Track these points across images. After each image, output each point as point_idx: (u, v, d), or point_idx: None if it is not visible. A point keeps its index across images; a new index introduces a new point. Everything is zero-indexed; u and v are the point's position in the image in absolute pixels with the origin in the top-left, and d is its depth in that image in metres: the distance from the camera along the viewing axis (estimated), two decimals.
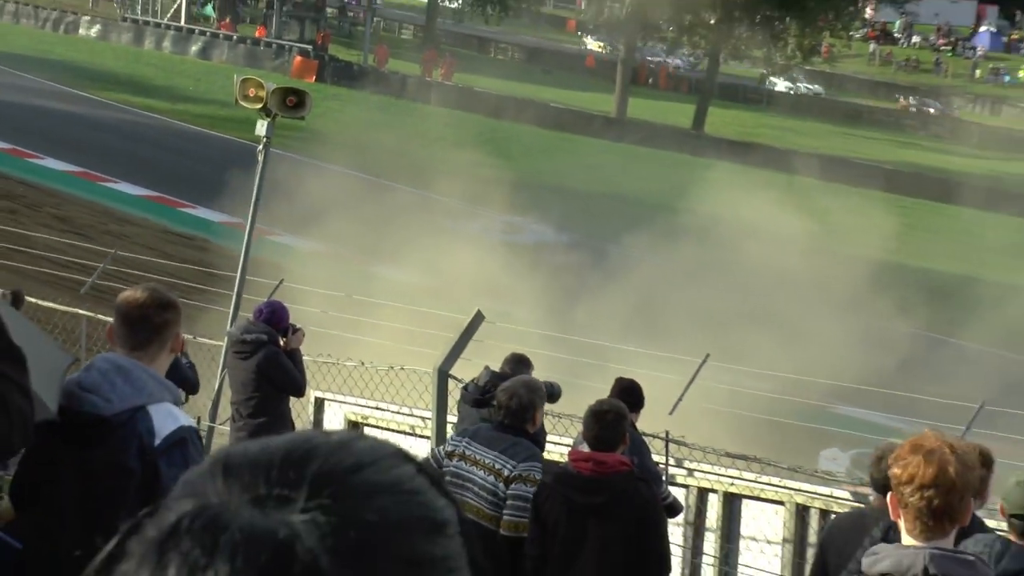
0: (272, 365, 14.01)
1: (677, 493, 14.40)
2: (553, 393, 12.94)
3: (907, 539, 5.36)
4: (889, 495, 5.40)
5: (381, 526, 1.33)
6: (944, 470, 5.18)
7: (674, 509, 12.49)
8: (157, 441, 6.37)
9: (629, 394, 11.66)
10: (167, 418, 6.50)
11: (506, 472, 9.71)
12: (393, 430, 17.01)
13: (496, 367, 13.40)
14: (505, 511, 9.61)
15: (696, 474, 15.18)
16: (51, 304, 20.09)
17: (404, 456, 1.43)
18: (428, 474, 1.43)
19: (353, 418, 17.58)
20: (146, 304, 6.76)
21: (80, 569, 1.37)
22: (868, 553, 5.51)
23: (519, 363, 13.50)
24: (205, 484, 1.35)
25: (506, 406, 9.98)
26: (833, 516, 13.94)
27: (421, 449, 15.21)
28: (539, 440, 10.50)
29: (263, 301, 16.04)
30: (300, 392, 14.69)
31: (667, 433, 15.32)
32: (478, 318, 13.89)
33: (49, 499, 6.16)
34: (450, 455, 10.12)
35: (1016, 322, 38.09)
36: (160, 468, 6.20)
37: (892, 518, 5.49)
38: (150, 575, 1.28)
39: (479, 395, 12.98)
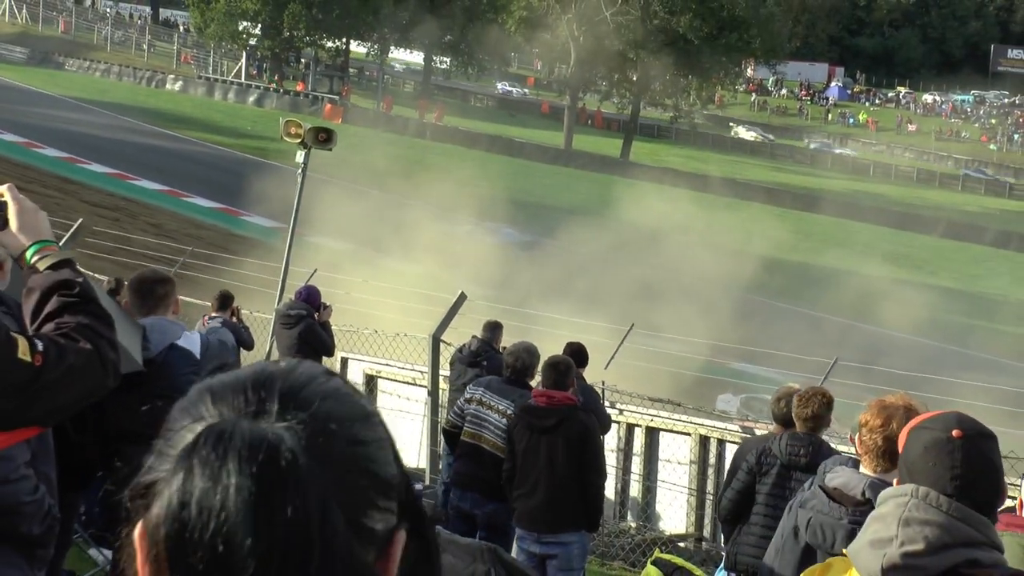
0: (310, 333, 14.66)
1: (611, 428, 14.34)
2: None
3: (863, 468, 5.37)
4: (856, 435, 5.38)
5: (334, 422, 1.43)
6: (889, 421, 5.12)
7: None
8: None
9: (577, 354, 11.62)
10: (191, 340, 6.99)
11: (510, 412, 9.69)
12: (399, 380, 16.94)
13: (478, 333, 13.63)
14: None
15: (625, 413, 15.10)
16: None
17: (330, 372, 1.51)
18: (348, 383, 1.52)
19: (369, 372, 17.49)
20: (150, 280, 7.20)
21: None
22: (829, 471, 5.56)
23: (494, 328, 13.72)
24: (199, 407, 1.44)
25: (512, 365, 10.05)
26: (727, 443, 13.93)
27: (421, 393, 15.15)
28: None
29: (302, 285, 16.22)
30: (330, 353, 15.01)
31: (603, 382, 15.29)
32: (462, 298, 13.94)
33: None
34: (469, 400, 10.10)
35: (864, 300, 38.31)
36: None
37: (857, 452, 5.42)
38: (183, 480, 1.36)
39: (472, 357, 13.38)
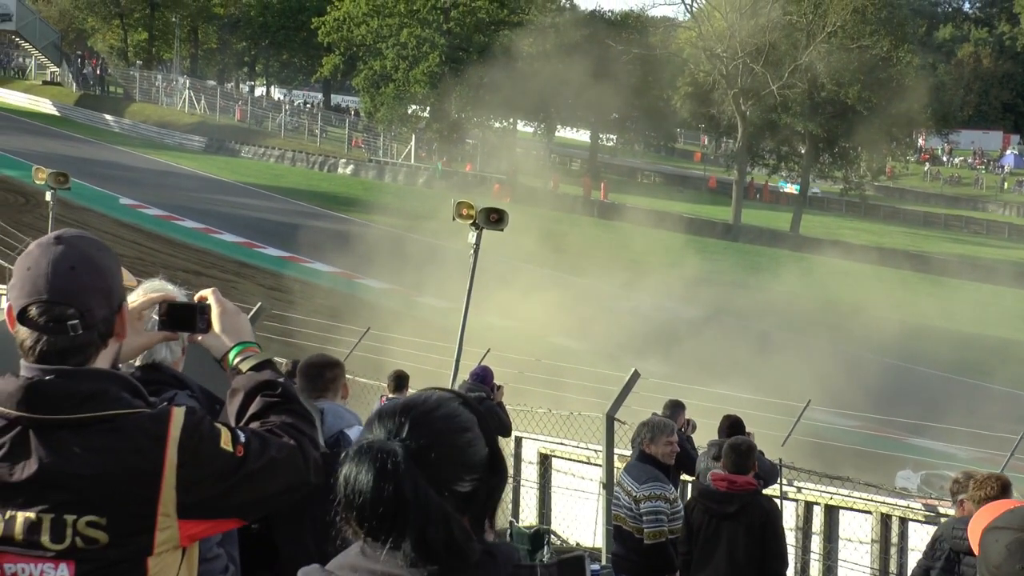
0: (490, 414, 14.31)
1: (789, 506, 14.14)
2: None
3: None
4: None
5: (437, 435, 2.54)
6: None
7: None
8: None
9: (736, 427, 11.59)
10: (358, 432, 6.77)
11: (635, 493, 9.76)
12: (574, 459, 16.91)
13: (658, 411, 13.55)
14: (644, 526, 9.62)
15: (803, 491, 14.88)
16: None
17: (463, 401, 2.64)
18: (472, 408, 2.65)
19: (543, 451, 17.51)
20: (319, 364, 7.37)
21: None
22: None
23: (675, 407, 13.65)
24: (371, 425, 2.61)
25: (633, 440, 10.33)
26: (909, 521, 13.63)
27: (596, 472, 15.11)
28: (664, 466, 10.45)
29: (476, 365, 16.28)
30: (508, 433, 14.96)
31: (780, 460, 15.08)
32: (635, 376, 13.84)
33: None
34: (618, 483, 10.30)
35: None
36: None
37: None
38: (346, 468, 2.55)
39: None
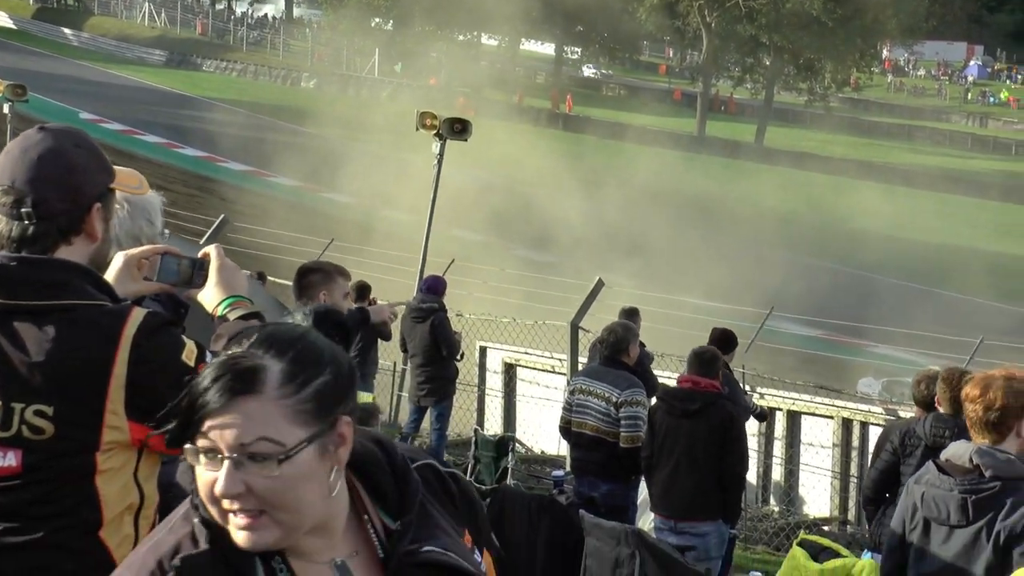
0: (442, 328, 14.49)
1: None
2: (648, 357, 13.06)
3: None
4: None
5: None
6: (986, 391, 5.11)
7: (764, 416, 13.08)
8: None
9: (724, 340, 11.62)
10: None
11: (615, 399, 9.75)
12: (539, 368, 17.00)
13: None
14: (622, 430, 9.69)
15: (766, 396, 15.01)
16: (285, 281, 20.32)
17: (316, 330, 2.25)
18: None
19: (508, 360, 17.58)
20: (300, 270, 7.42)
21: None
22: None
23: (630, 314, 13.68)
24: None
25: (605, 340, 10.14)
26: (870, 425, 13.79)
27: (560, 381, 15.19)
28: (645, 371, 10.48)
29: (429, 276, 16.08)
30: (456, 352, 14.82)
31: (743, 367, 15.20)
32: (599, 284, 13.88)
33: None
34: (573, 391, 10.27)
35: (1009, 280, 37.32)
36: None
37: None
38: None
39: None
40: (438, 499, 2.40)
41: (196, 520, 2.20)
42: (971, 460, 5.14)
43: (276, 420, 2.11)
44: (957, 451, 5.26)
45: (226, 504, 2.11)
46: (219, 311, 3.50)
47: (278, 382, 2.13)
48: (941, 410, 7.89)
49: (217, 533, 2.16)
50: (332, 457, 2.18)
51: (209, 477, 2.12)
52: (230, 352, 2.16)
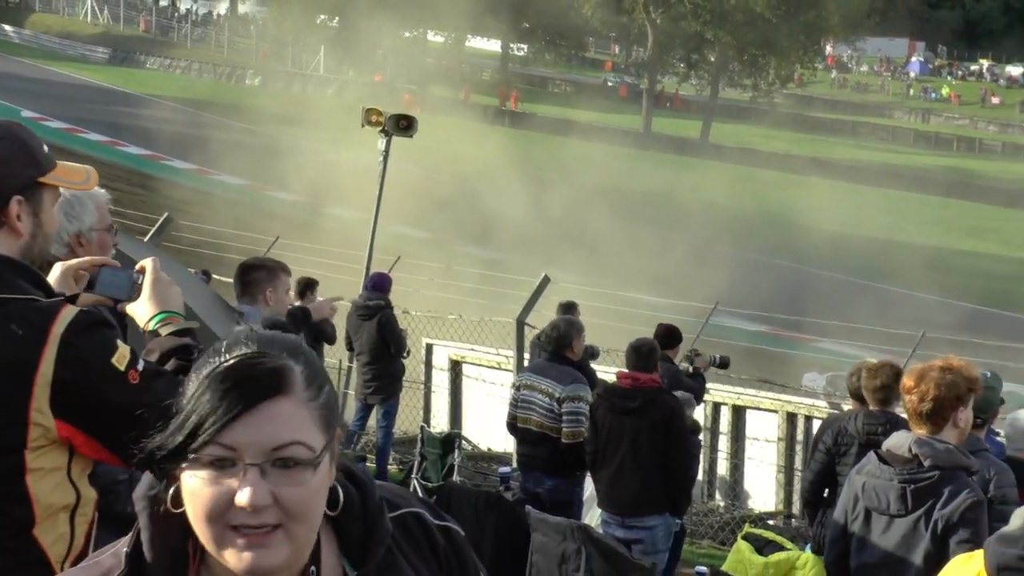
0: (388, 325, 14.54)
1: (697, 407, 14.31)
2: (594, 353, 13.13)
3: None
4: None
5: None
6: (920, 382, 5.20)
7: (724, 363, 13.32)
8: None
9: (668, 335, 11.70)
10: None
11: (557, 394, 9.80)
12: (484, 365, 17.00)
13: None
14: (563, 425, 9.72)
15: (711, 391, 15.07)
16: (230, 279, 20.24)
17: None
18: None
19: (454, 357, 17.58)
20: (242, 266, 7.40)
21: None
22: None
23: (568, 308, 13.74)
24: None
25: (548, 335, 10.25)
26: (815, 419, 13.87)
27: (507, 378, 15.21)
28: (584, 367, 10.52)
29: (375, 273, 16.10)
30: (402, 349, 14.81)
31: (692, 350, 15.23)
32: (545, 281, 13.91)
33: None
34: (518, 387, 10.36)
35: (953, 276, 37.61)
36: None
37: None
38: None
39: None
40: (417, 551, 2.19)
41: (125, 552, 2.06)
42: (910, 450, 5.22)
43: (308, 423, 1.95)
44: (897, 441, 5.34)
45: (240, 519, 1.92)
46: (150, 326, 3.46)
47: (304, 384, 1.97)
48: (869, 404, 7.91)
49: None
50: (332, 473, 2.04)
51: (217, 491, 1.92)
52: (236, 354, 1.97)
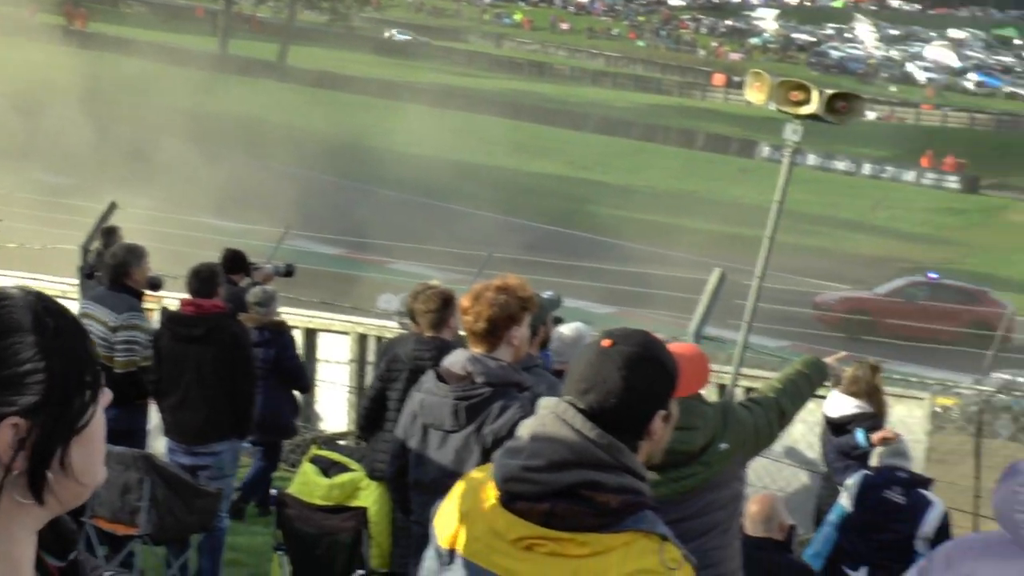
0: None
1: None
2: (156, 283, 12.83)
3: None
4: None
5: None
6: (475, 303, 5.32)
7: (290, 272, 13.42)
8: None
9: (234, 260, 11.61)
10: None
11: (111, 323, 9.52)
12: (49, 295, 16.39)
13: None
14: (116, 355, 9.42)
15: (285, 315, 15.03)
16: None
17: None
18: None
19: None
20: None
21: None
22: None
23: (108, 233, 13.46)
24: None
25: (107, 264, 9.92)
26: (384, 340, 14.08)
27: (73, 308, 14.66)
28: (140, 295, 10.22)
29: None
30: None
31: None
32: (112, 207, 13.55)
33: None
34: (81, 316, 9.83)
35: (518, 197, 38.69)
36: None
37: None
38: None
39: (89, 270, 13.30)
40: None
41: None
42: (464, 368, 5.34)
43: None
44: (454, 359, 5.46)
45: None
46: None
47: None
48: (424, 331, 7.64)
49: None
50: None
51: None
52: None
